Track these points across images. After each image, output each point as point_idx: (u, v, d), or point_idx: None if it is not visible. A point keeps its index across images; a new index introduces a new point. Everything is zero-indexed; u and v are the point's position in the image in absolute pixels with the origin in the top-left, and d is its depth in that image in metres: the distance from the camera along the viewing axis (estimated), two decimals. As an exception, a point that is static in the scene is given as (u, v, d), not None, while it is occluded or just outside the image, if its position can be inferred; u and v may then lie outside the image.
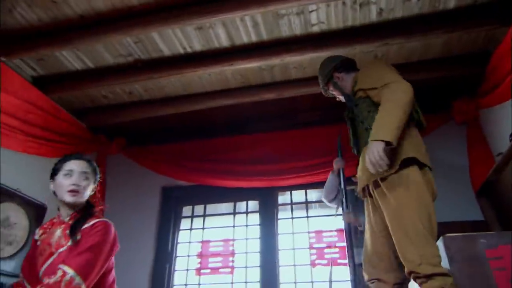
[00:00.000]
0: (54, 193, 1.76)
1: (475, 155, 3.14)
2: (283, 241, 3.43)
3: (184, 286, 3.42)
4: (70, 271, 1.43)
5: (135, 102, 3.68)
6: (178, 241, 3.65)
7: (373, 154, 1.53)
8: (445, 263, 1.50)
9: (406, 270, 1.50)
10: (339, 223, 2.96)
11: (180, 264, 3.53)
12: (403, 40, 2.85)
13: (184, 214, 3.79)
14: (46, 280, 1.42)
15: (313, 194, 3.64)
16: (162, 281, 3.39)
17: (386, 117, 1.58)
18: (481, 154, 3.08)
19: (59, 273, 1.43)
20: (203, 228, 3.66)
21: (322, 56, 2.89)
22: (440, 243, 1.59)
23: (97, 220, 1.63)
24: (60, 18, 2.71)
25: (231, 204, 3.74)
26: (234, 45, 3.00)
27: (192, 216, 3.76)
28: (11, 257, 2.81)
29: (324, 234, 3.34)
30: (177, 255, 3.58)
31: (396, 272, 1.70)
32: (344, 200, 2.46)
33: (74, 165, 1.73)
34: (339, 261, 3.17)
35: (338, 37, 2.90)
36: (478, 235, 1.57)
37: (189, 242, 3.62)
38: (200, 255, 3.51)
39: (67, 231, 1.59)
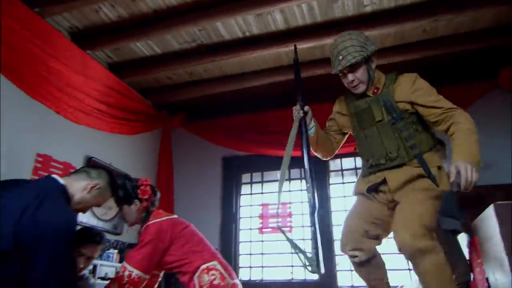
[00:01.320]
0: None
1: (520, 121, 3.30)
2: (335, 204, 3.82)
3: (249, 242, 3.94)
4: (128, 266, 1.80)
5: (196, 81, 4.03)
6: (241, 205, 4.13)
7: (471, 174, 1.52)
8: (495, 227, 1.83)
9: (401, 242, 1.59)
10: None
11: (244, 224, 4.04)
12: (453, 16, 2.99)
13: (243, 181, 4.24)
14: (115, 275, 1.84)
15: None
16: (230, 238, 3.92)
17: (474, 143, 1.63)
18: (527, 121, 3.24)
19: (121, 268, 1.81)
20: (261, 193, 4.11)
21: (372, 34, 3.07)
22: (491, 210, 1.90)
23: (147, 223, 1.95)
24: (137, 14, 3.05)
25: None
26: (290, 27, 3.24)
27: (251, 183, 4.21)
28: (111, 219, 3.39)
29: (373, 197, 3.68)
30: (241, 216, 4.08)
31: (373, 244, 1.83)
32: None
33: None
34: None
35: (389, 16, 3.06)
36: (524, 203, 1.87)
37: (250, 205, 4.09)
38: (261, 216, 3.99)
39: None
